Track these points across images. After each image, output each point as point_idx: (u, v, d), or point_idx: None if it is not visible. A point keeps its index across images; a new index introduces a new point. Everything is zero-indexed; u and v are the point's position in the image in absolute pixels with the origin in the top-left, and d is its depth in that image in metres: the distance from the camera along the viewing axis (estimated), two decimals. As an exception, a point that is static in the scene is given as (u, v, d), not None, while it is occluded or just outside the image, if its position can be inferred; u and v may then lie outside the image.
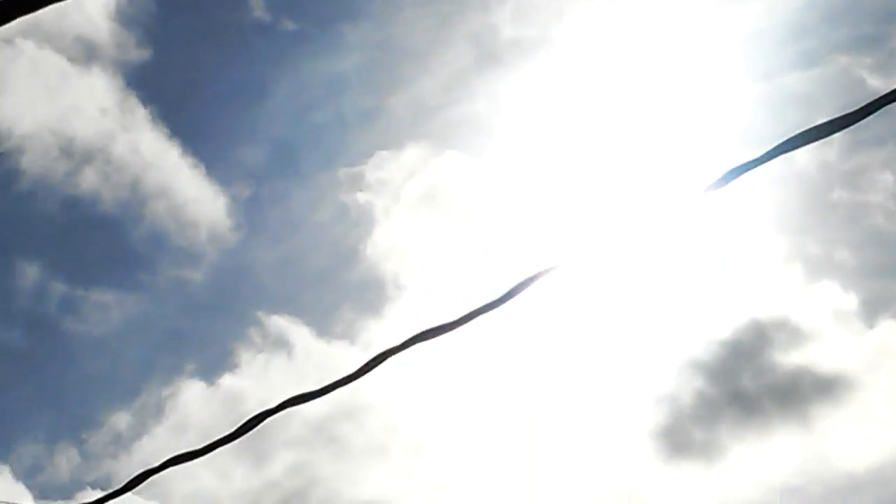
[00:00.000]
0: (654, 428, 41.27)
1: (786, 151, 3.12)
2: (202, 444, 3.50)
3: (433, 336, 3.36)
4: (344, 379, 3.40)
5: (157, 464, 3.52)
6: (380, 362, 3.38)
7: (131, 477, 3.52)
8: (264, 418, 3.46)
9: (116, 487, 3.53)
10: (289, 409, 3.39)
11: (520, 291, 3.30)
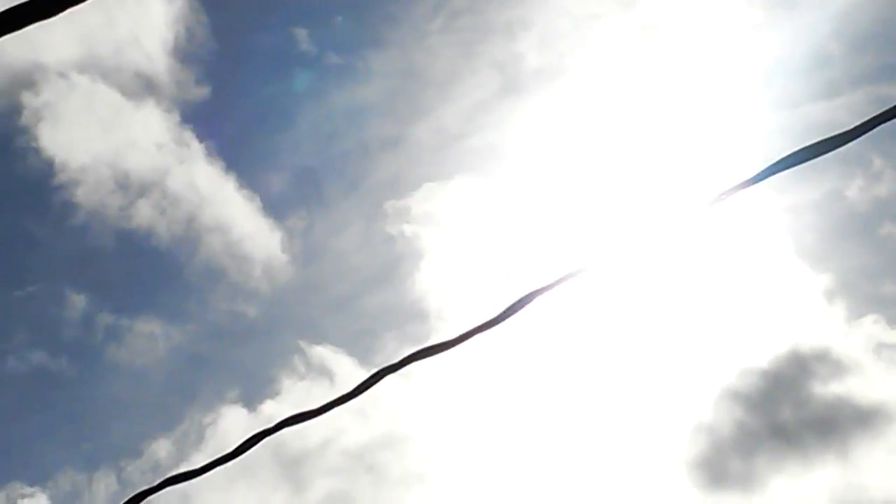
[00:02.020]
0: (691, 457, 41.08)
1: (779, 171, 3.13)
2: (200, 465, 3.50)
3: (430, 354, 3.37)
4: (342, 398, 3.41)
5: (155, 483, 3.52)
6: (377, 381, 3.38)
7: (128, 497, 3.53)
8: (262, 438, 3.46)
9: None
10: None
11: (517, 310, 3.30)
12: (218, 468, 3.50)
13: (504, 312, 3.32)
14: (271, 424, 3.46)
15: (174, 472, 3.51)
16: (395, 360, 3.38)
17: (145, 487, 3.55)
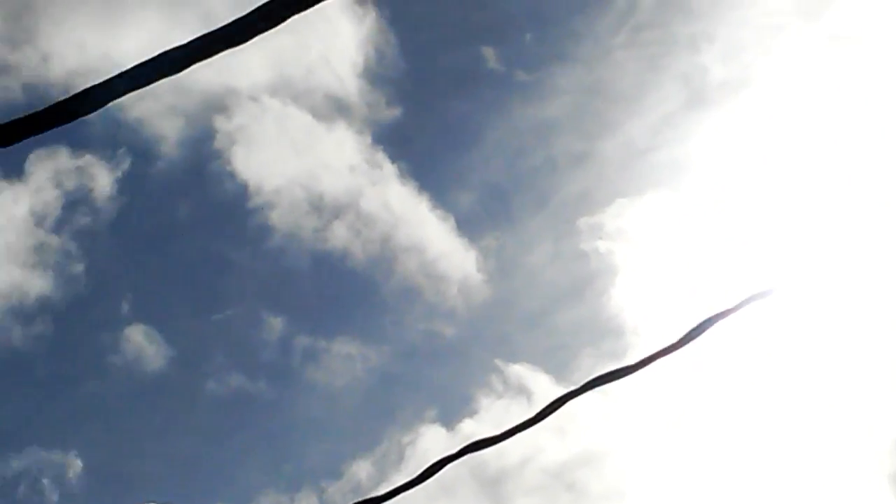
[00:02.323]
0: (893, 470, 39.79)
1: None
2: (383, 492, 3.53)
3: (613, 379, 3.33)
4: (524, 423, 3.40)
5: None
6: (559, 406, 3.36)
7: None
8: (445, 464, 3.47)
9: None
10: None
11: (698, 334, 3.25)
12: (405, 493, 3.53)
13: (685, 337, 3.27)
14: (454, 451, 3.47)
15: (358, 500, 3.55)
16: (579, 385, 3.36)
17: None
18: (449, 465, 3.46)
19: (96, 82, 2.55)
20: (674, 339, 3.25)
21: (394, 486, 3.53)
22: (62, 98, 2.55)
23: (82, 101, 2.52)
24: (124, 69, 2.56)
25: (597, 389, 3.40)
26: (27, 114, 2.54)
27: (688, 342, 3.23)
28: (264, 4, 2.48)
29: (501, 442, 3.44)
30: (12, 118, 2.53)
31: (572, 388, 3.35)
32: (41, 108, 2.54)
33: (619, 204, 46.14)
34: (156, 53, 2.53)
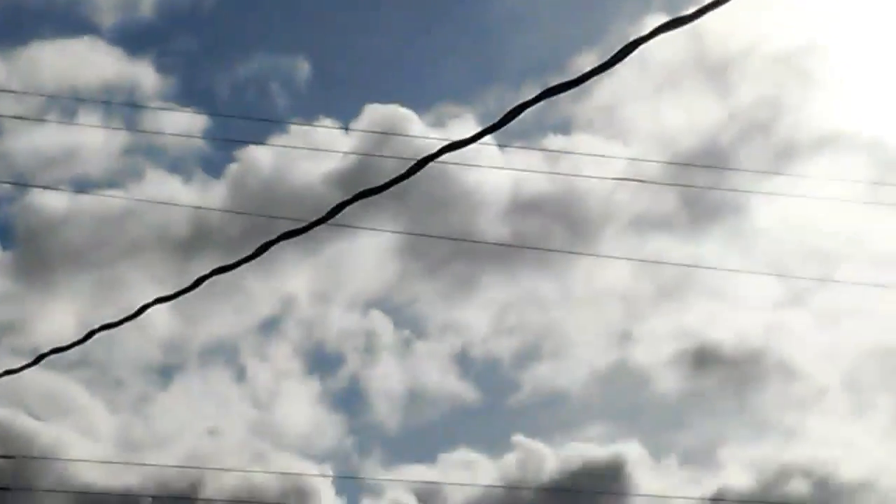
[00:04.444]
0: None
1: None
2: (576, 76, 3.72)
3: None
4: None
5: (531, 97, 3.73)
6: None
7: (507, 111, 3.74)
8: (640, 43, 3.70)
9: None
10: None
11: None
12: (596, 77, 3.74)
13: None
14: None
15: (553, 84, 3.74)
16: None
17: (522, 101, 3.76)
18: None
19: None
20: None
21: (587, 70, 3.73)
22: None
23: None
24: None
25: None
26: None
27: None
28: None
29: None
30: None
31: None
32: None
33: None
34: None
